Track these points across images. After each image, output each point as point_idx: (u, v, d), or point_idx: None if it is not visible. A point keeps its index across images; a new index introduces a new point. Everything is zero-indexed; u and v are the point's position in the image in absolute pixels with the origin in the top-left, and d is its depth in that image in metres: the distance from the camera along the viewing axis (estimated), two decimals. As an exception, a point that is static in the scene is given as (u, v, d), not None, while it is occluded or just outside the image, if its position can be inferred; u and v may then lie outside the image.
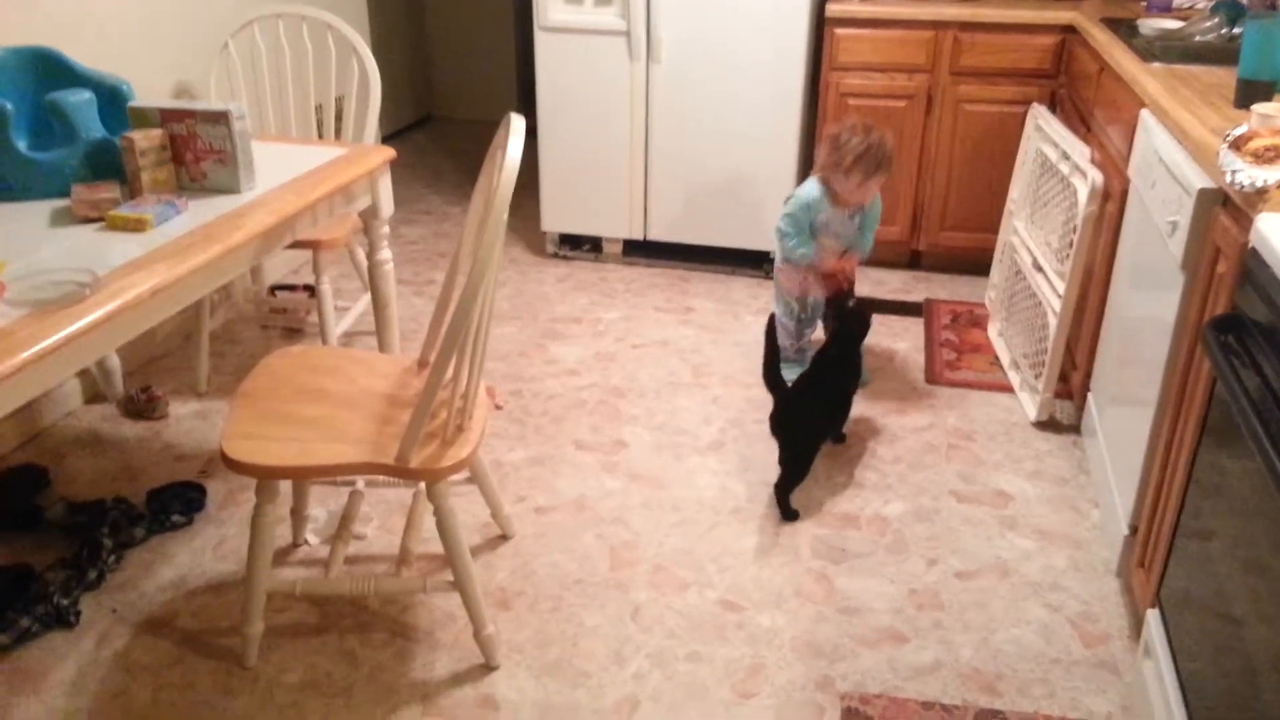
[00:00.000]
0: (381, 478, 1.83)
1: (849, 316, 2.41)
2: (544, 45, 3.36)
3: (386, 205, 2.22)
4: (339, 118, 2.83)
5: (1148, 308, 1.94)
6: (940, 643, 1.84)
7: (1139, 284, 2.04)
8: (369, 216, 2.22)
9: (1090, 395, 2.38)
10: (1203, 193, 1.63)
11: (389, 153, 2.18)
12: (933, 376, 2.79)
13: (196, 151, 1.91)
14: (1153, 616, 1.65)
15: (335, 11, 2.96)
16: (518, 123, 1.57)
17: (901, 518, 2.19)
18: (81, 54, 2.06)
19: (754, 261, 3.49)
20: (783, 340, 2.79)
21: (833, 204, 2.66)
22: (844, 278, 2.63)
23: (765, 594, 1.95)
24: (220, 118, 1.89)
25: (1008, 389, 2.72)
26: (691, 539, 2.12)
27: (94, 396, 2.60)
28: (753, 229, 3.43)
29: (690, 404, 2.66)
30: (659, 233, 3.52)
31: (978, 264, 3.36)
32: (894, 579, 2.00)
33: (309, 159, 2.09)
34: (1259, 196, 1.42)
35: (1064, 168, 2.57)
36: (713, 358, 2.91)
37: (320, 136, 3.21)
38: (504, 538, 2.12)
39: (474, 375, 1.65)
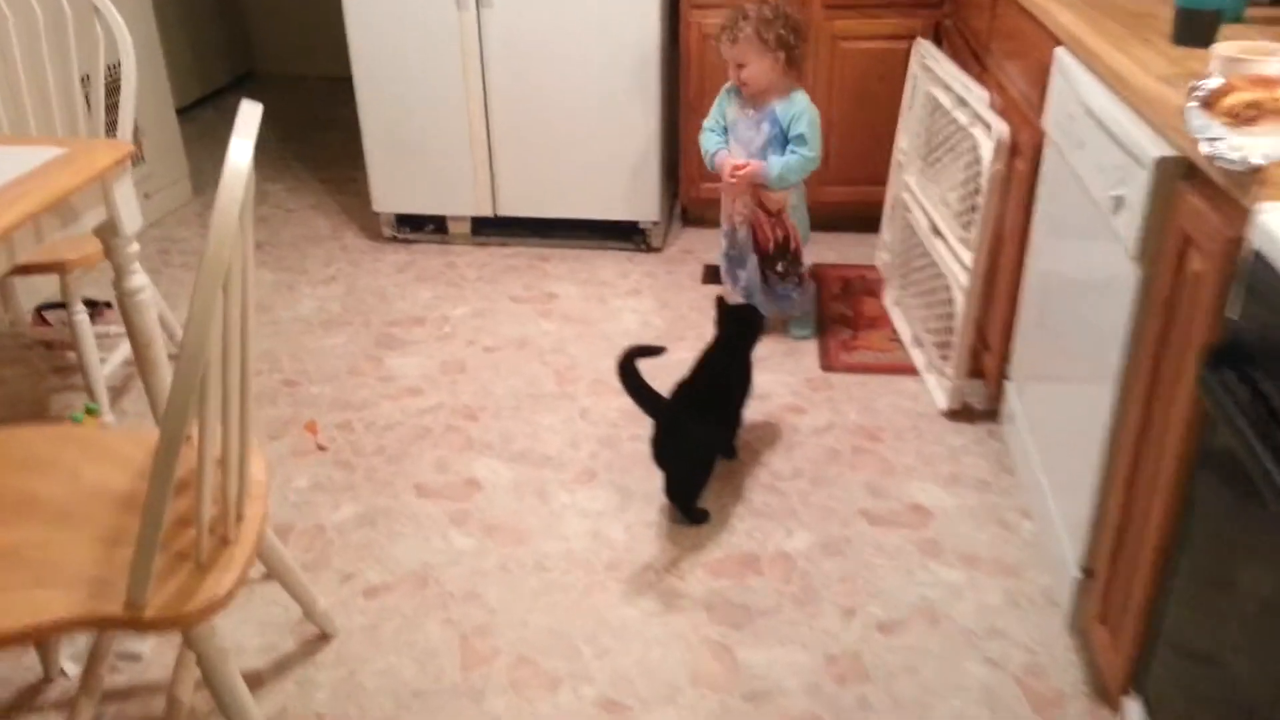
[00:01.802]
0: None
1: (734, 316, 2.03)
2: (351, -9, 2.81)
3: (129, 218, 1.70)
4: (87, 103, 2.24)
5: (1085, 297, 1.62)
6: (867, 725, 1.51)
7: (1070, 266, 1.72)
8: (107, 234, 1.70)
9: (1009, 383, 2.07)
10: (1161, 163, 1.29)
11: (124, 148, 1.65)
12: (829, 362, 2.45)
13: None
14: (1133, 709, 1.35)
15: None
16: (246, 114, 1.10)
17: (808, 554, 1.85)
18: None
19: (622, 233, 3.07)
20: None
21: (740, 101, 2.38)
22: (732, 191, 2.38)
23: (655, 684, 1.59)
24: None
25: (911, 371, 2.41)
26: (561, 612, 1.73)
27: None
28: (617, 196, 3.00)
29: (554, 421, 2.26)
30: (510, 207, 3.06)
31: (866, 220, 3.03)
32: (807, 643, 1.66)
33: (10, 165, 1.55)
34: (1254, 178, 1.08)
35: (961, 116, 2.23)
36: (578, 358, 2.50)
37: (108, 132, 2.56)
38: (326, 636, 1.68)
39: (233, 462, 1.21)
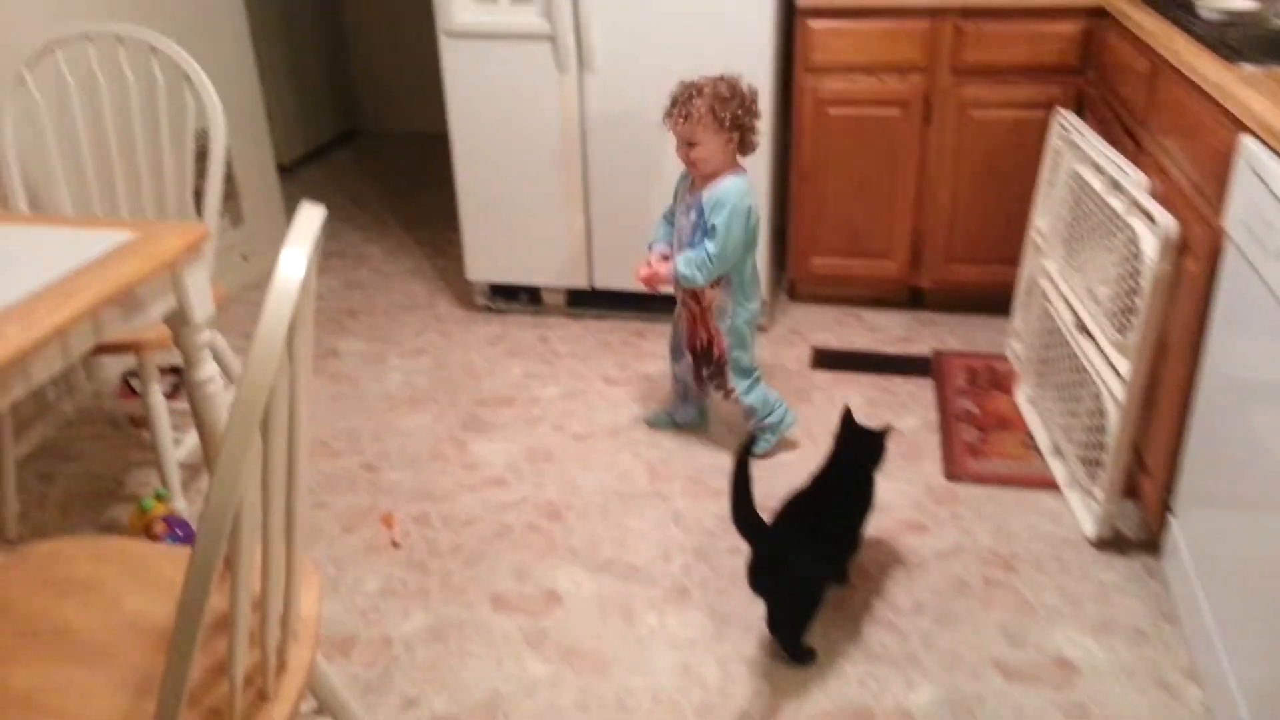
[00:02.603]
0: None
1: (855, 438, 1.80)
2: (451, 54, 2.73)
3: (200, 306, 1.59)
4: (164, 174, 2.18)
5: None
6: None
7: (1261, 390, 1.44)
8: (177, 324, 1.59)
9: (1174, 518, 1.79)
10: None
11: (197, 231, 1.55)
12: (954, 470, 2.19)
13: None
14: None
15: (200, 26, 2.24)
16: (304, 219, 0.93)
17: (933, 713, 1.59)
18: None
19: (723, 310, 2.87)
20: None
21: (688, 184, 2.15)
22: (649, 285, 2.15)
23: None
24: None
25: (1051, 485, 2.13)
26: (643, 765, 1.52)
27: None
28: (720, 271, 2.81)
29: (645, 526, 2.06)
30: (606, 279, 2.91)
31: (994, 302, 2.77)
32: (931, 830, 1.40)
33: (73, 252, 1.45)
34: None
35: (1115, 202, 1.97)
36: (673, 451, 2.30)
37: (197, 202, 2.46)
38: (380, 777, 1.52)
39: (274, 604, 1.05)
